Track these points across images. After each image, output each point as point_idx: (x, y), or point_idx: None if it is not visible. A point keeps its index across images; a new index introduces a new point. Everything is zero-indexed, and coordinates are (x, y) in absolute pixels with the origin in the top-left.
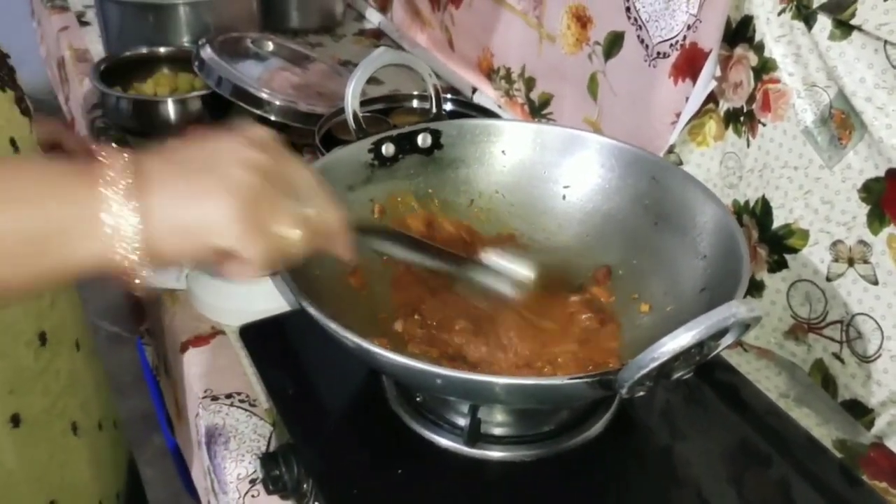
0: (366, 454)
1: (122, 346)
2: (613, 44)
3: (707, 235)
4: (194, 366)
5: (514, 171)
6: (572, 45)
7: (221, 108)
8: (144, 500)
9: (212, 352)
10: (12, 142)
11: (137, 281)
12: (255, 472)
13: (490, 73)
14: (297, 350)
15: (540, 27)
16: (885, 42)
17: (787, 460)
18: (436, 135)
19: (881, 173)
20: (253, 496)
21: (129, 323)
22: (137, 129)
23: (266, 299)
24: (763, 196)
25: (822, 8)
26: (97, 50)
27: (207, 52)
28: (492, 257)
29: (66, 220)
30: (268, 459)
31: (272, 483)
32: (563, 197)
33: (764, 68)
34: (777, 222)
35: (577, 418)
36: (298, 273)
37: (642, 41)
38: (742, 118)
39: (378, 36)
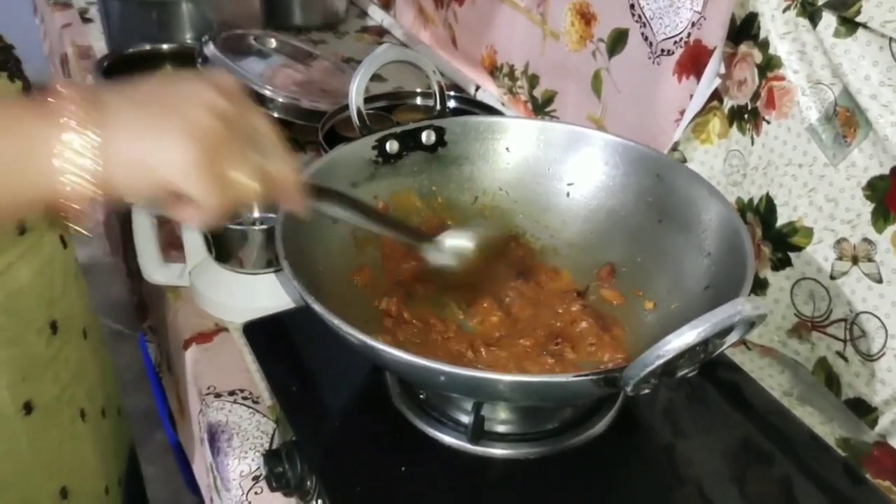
0: (369, 451)
1: (125, 342)
2: (617, 41)
3: (711, 233)
4: (197, 363)
5: (518, 168)
6: (576, 42)
7: None
8: (142, 486)
9: (215, 349)
10: None
11: (85, 217)
12: (258, 468)
13: (493, 71)
14: (301, 347)
15: (543, 24)
16: (891, 39)
17: (790, 459)
18: (440, 132)
19: (886, 171)
20: (256, 493)
21: (132, 320)
22: None
23: (270, 296)
24: (767, 194)
25: (827, 5)
26: (100, 47)
27: (211, 49)
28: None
29: (18, 152)
30: (271, 456)
31: (275, 480)
32: (567, 194)
33: (768, 65)
34: (781, 220)
35: (581, 416)
36: (302, 270)
37: (646, 38)
38: (746, 116)
39: (381, 33)
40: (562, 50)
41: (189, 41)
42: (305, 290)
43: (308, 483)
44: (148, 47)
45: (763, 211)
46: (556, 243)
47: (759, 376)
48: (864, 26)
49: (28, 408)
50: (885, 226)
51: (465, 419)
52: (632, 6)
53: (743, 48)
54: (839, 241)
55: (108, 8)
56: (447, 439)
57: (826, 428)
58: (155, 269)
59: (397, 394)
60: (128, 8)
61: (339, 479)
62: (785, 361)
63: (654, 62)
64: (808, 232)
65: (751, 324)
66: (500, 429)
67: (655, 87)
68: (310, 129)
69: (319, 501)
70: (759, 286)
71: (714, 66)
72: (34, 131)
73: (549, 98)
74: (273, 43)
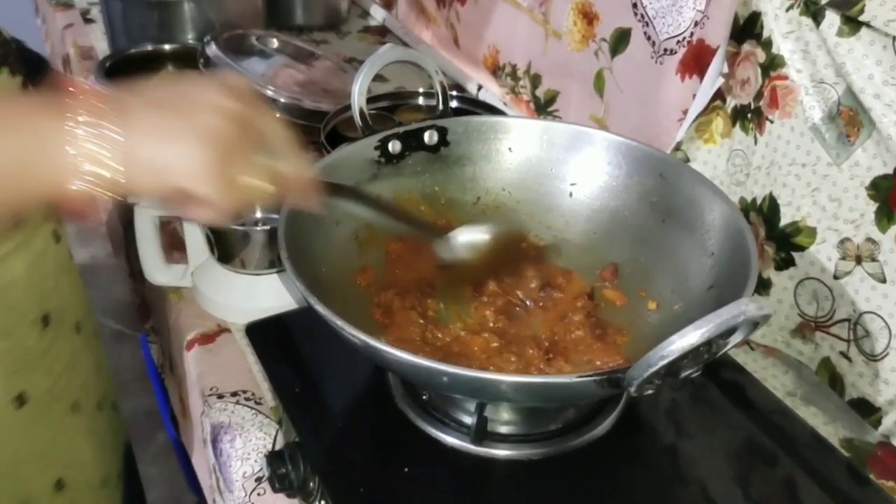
0: (372, 452)
1: (126, 343)
2: (620, 40)
3: (715, 233)
4: (200, 364)
5: (521, 168)
6: (578, 41)
7: None
8: (139, 484)
9: (217, 350)
10: None
11: (90, 214)
12: (261, 470)
13: (495, 71)
14: (304, 348)
15: (546, 24)
16: (894, 38)
17: (793, 459)
18: (442, 132)
19: (889, 170)
20: (259, 494)
21: (134, 321)
22: None
23: (272, 297)
24: (770, 193)
25: (831, 4)
26: (102, 47)
27: (213, 50)
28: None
29: (28, 150)
30: (274, 457)
31: (278, 481)
32: (570, 194)
33: (772, 65)
34: (784, 220)
35: (584, 417)
36: (305, 270)
37: (649, 38)
38: (749, 115)
39: (383, 33)
40: (564, 49)
41: (191, 41)
42: (308, 291)
43: (311, 484)
44: (150, 48)
45: (766, 211)
46: (559, 244)
47: (763, 377)
48: (868, 25)
49: (20, 400)
50: (888, 225)
51: (468, 420)
52: (634, 5)
53: (746, 47)
54: (843, 241)
55: (110, 8)
56: (450, 440)
57: (830, 428)
58: (157, 270)
59: (400, 394)
60: (130, 8)
61: (342, 479)
62: (788, 362)
63: (656, 62)
64: (812, 232)
65: (755, 324)
66: (503, 430)
67: (658, 86)
68: (312, 130)
69: (322, 502)
70: (763, 286)
71: (717, 65)
72: (45, 130)
73: (552, 98)
74: (275, 43)
